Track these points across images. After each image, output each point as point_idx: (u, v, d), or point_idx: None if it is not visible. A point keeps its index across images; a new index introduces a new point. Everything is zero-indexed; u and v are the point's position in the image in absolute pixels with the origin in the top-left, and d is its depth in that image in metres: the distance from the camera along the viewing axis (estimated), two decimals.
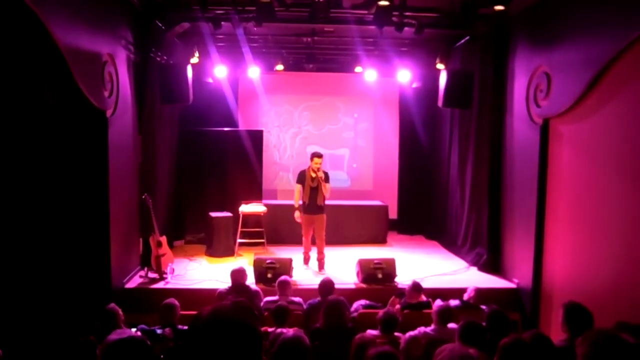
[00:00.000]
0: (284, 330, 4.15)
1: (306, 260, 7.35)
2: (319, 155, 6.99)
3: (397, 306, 5.29)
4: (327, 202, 7.29)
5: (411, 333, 3.96)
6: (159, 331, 4.33)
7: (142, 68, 6.79)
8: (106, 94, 5.56)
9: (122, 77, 6.05)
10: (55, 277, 5.31)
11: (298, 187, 7.14)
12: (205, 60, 8.33)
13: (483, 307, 5.16)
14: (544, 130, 5.89)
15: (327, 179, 6.99)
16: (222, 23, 6.75)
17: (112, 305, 4.40)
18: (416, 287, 5.44)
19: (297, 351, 2.83)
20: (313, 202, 7.03)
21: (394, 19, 6.54)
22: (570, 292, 5.26)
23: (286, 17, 6.85)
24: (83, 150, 5.52)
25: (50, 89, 4.98)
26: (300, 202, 7.13)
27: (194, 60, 7.67)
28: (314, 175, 7.00)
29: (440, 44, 8.12)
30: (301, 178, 7.12)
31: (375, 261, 6.54)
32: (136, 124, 6.77)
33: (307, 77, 10.21)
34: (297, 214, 7.10)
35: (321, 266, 7.16)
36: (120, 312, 4.37)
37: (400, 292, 5.55)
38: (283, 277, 5.52)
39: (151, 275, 6.56)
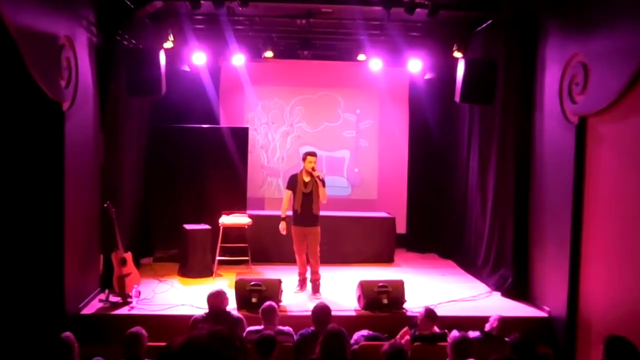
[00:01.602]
0: None
1: (302, 284, 7.31)
2: (313, 154, 7.05)
3: (407, 337, 5.25)
4: (322, 212, 7.28)
5: None
6: None
7: (107, 53, 6.79)
8: (63, 83, 5.55)
9: (82, 64, 6.04)
10: None
11: (288, 194, 7.17)
12: (181, 45, 8.32)
13: (508, 339, 5.13)
14: (581, 131, 5.89)
15: (322, 182, 7.01)
16: (202, 1, 6.73)
17: (68, 334, 4.34)
18: (429, 315, 5.41)
19: None
20: (307, 211, 7.02)
21: None
22: (612, 322, 5.23)
23: None
24: (34, 149, 5.49)
25: None
26: (290, 212, 7.13)
27: (168, 45, 7.66)
28: (307, 179, 6.99)
29: (457, 29, 8.13)
30: (292, 183, 7.14)
31: (380, 284, 6.52)
32: (98, 119, 6.76)
33: (301, 66, 10.20)
34: (282, 226, 7.13)
35: (316, 289, 7.13)
36: (76, 343, 4.31)
37: (414, 323, 5.52)
38: (268, 304, 5.49)
39: (113, 298, 6.50)
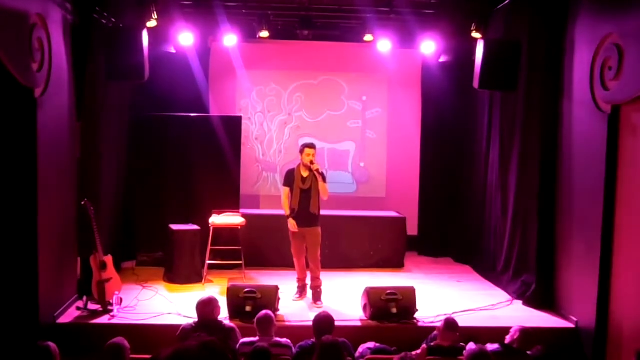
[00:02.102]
0: None
1: (301, 291, 7.35)
2: (311, 146, 7.09)
3: (423, 346, 5.28)
4: (324, 211, 7.30)
5: None
6: None
7: (83, 33, 6.80)
8: (35, 66, 5.56)
9: (55, 45, 6.05)
10: None
11: (285, 191, 7.22)
12: (166, 24, 8.32)
13: (530, 353, 5.17)
14: (613, 121, 5.91)
15: (322, 177, 7.04)
16: None
17: (49, 344, 4.37)
18: (449, 325, 5.45)
19: None
20: (304, 209, 7.05)
21: None
22: None
23: None
24: (3, 140, 5.50)
25: None
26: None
27: (152, 24, 7.67)
28: (305, 174, 7.02)
29: (476, 6, 8.13)
30: (289, 179, 7.18)
31: (389, 291, 6.55)
32: (74, 106, 6.77)
33: (301, 48, 10.20)
34: (291, 223, 7.11)
35: (317, 296, 7.17)
36: (58, 356, 4.35)
37: (433, 336, 5.55)
38: (264, 313, 5.52)
39: (92, 306, 6.54)
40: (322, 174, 7.10)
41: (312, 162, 7.00)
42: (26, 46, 5.38)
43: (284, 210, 7.23)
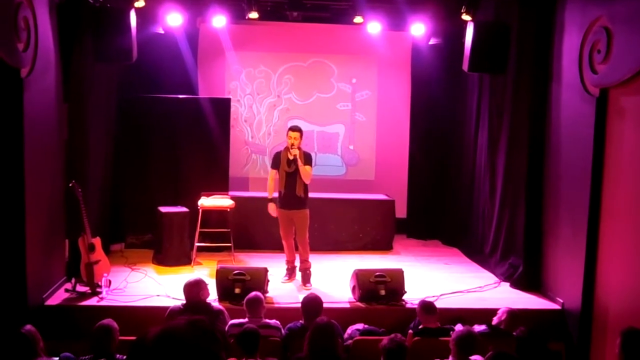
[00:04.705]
0: None
1: (290, 273, 7.38)
2: (294, 129, 7.06)
3: (409, 332, 5.34)
4: (313, 194, 7.30)
5: None
6: None
7: (70, 13, 6.74)
8: (21, 46, 5.52)
9: (42, 25, 6.00)
10: None
11: (272, 174, 7.23)
12: (154, 4, 8.25)
13: (515, 333, 5.23)
14: (601, 104, 5.94)
15: (307, 160, 7.00)
16: None
17: (29, 327, 4.37)
18: (426, 308, 5.50)
19: None
20: (290, 192, 7.05)
21: None
22: (630, 315, 5.33)
23: None
24: None
25: None
26: (276, 194, 7.18)
27: (140, 4, 7.60)
28: (291, 157, 6.99)
29: None
30: (276, 161, 7.19)
31: (377, 273, 6.59)
32: (61, 87, 6.74)
33: (290, 29, 10.14)
34: (271, 207, 7.17)
35: (306, 279, 7.20)
36: (40, 337, 4.35)
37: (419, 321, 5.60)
38: (253, 294, 5.55)
39: (80, 288, 6.55)
40: (307, 155, 7.05)
41: (292, 146, 6.96)
42: (11, 25, 5.33)
43: (268, 192, 7.23)
